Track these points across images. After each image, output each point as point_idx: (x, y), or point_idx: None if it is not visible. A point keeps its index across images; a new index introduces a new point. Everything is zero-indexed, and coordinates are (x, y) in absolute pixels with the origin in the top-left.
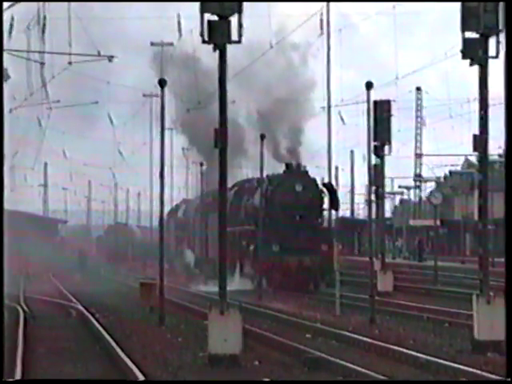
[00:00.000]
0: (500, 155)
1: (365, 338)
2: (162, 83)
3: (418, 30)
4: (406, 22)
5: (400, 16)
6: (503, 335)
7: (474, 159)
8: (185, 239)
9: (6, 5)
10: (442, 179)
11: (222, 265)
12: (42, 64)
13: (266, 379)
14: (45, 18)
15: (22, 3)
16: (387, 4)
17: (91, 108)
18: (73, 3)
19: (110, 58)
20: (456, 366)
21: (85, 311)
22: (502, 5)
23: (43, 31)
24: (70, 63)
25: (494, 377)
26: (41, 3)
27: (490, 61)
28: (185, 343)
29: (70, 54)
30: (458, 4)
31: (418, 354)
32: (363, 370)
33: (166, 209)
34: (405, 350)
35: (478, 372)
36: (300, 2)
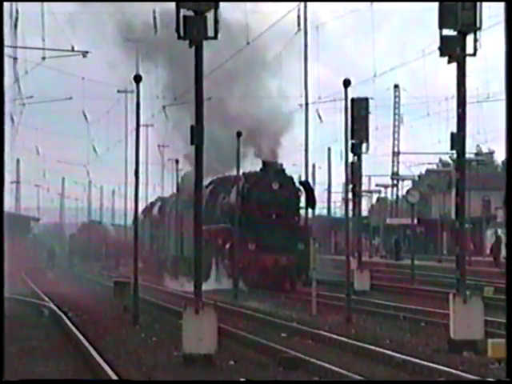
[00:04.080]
0: (477, 153)
1: (341, 338)
2: (137, 79)
3: (394, 27)
4: (382, 20)
5: (375, 14)
6: (479, 334)
7: (448, 159)
8: (160, 237)
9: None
10: (419, 177)
11: (197, 263)
12: (15, 59)
13: (242, 379)
14: (17, 11)
15: None
16: (360, 3)
17: (65, 104)
18: None
19: (85, 54)
20: (432, 365)
21: (57, 310)
22: (479, 3)
23: (16, 25)
24: (43, 58)
25: (469, 376)
26: None
27: (468, 58)
28: (159, 343)
29: (43, 49)
30: (436, 2)
31: (394, 354)
32: (339, 370)
33: (141, 207)
34: (381, 350)
35: (454, 371)
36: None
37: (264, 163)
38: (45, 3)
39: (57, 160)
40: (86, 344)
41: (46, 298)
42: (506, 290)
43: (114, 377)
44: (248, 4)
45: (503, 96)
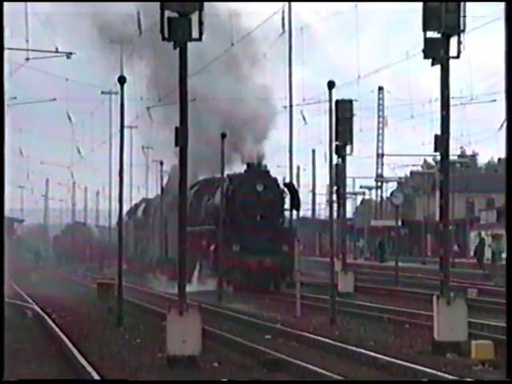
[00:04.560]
0: (460, 156)
1: (325, 339)
2: (121, 80)
3: (378, 29)
4: (365, 22)
5: (358, 15)
6: (463, 336)
7: (431, 161)
8: (144, 239)
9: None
10: (403, 179)
11: (181, 265)
12: None
13: (224, 379)
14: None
15: None
16: (343, 4)
17: (49, 105)
18: None
19: (69, 55)
20: (416, 366)
21: (41, 311)
22: (463, 5)
23: None
24: (27, 59)
25: (452, 377)
26: None
27: (452, 61)
28: (143, 344)
29: (27, 50)
30: (420, 4)
31: (378, 355)
32: (323, 372)
33: (125, 208)
34: (365, 351)
35: (438, 373)
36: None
37: (248, 165)
38: (28, 4)
39: (41, 161)
40: (70, 345)
41: (30, 300)
42: (506, 290)
43: (98, 378)
44: (232, 5)
45: (486, 98)
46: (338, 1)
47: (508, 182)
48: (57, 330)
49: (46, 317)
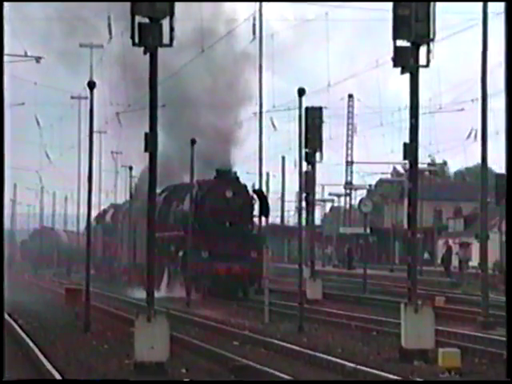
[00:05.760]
0: (429, 164)
1: (293, 346)
2: (91, 85)
3: (348, 37)
4: (335, 29)
5: (328, 23)
6: (430, 344)
7: (401, 169)
8: (112, 245)
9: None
10: (372, 187)
11: (149, 271)
12: None
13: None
14: None
15: None
16: (312, 13)
17: (17, 109)
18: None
19: (38, 59)
20: (383, 374)
21: (7, 317)
22: (432, 14)
23: None
24: None
25: None
26: None
27: (421, 70)
28: (111, 350)
29: None
30: (390, 12)
31: (346, 363)
32: (290, 378)
33: (94, 213)
34: (333, 359)
35: (405, 380)
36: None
37: (218, 171)
38: None
39: (8, 166)
40: (36, 351)
41: None
42: (506, 290)
43: None
44: (204, 11)
45: (455, 107)
46: (311, 0)
47: (508, 184)
48: (23, 335)
49: (13, 322)
